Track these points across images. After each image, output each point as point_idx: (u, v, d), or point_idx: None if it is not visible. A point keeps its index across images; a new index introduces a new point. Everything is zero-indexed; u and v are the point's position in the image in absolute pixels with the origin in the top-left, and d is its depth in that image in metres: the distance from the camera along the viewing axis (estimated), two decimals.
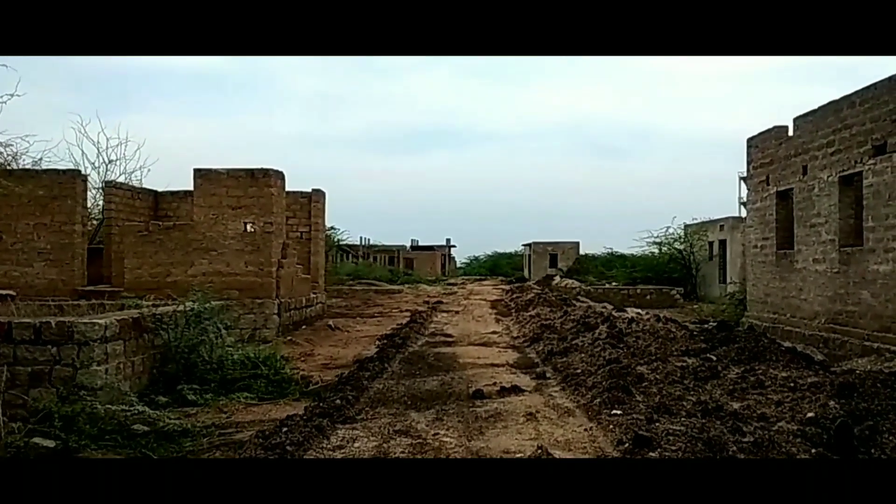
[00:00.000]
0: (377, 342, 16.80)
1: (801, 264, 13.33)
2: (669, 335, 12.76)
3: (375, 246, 72.17)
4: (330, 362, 14.19)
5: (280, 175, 16.22)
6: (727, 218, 38.36)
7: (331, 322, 18.27)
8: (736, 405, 8.50)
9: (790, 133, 13.91)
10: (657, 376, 9.78)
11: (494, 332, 19.04)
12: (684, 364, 10.45)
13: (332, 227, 57.74)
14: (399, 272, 56.68)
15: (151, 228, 15.99)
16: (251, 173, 15.71)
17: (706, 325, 15.18)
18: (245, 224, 15.78)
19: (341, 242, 62.13)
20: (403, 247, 78.80)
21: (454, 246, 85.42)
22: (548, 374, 11.76)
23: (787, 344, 11.88)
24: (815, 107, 12.89)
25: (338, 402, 9.38)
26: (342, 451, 7.28)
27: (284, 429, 7.66)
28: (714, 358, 10.88)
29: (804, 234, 13.15)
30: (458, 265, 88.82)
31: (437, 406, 9.60)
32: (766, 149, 14.79)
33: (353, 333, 18.43)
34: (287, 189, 20.71)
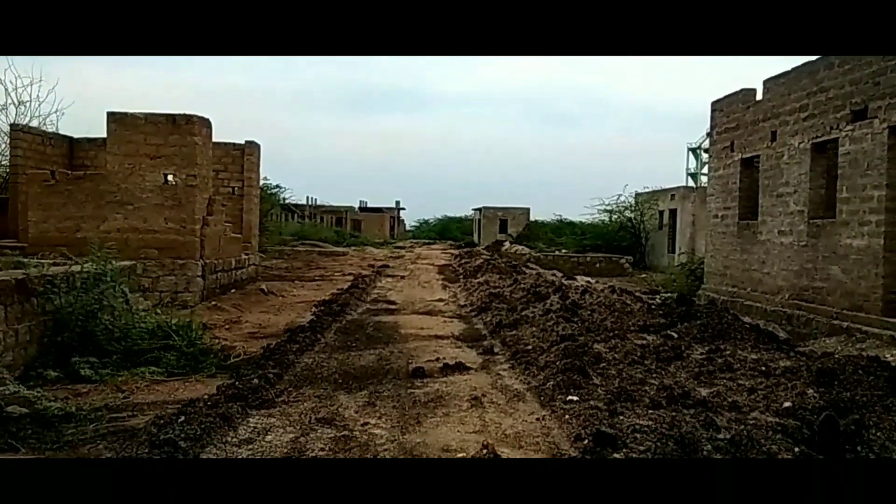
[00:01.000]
0: (313, 309, 15.52)
1: (765, 236, 12.52)
2: (626, 308, 11.83)
3: (323, 206, 70.29)
4: (258, 331, 12.88)
5: (206, 122, 14.60)
6: (678, 187, 37.91)
7: (264, 286, 16.88)
8: (704, 391, 7.56)
9: (759, 97, 13.00)
10: (616, 356, 8.80)
11: (440, 300, 17.94)
12: (644, 342, 9.50)
13: (276, 186, 55.64)
14: (346, 234, 55.10)
15: (59, 178, 14.23)
16: (172, 119, 14.06)
17: (664, 299, 14.34)
18: (165, 175, 14.18)
19: (286, 201, 60.22)
20: (352, 208, 77.01)
21: (404, 209, 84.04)
22: (496, 350, 10.71)
23: (748, 320, 11.09)
24: (789, 68, 11.95)
25: (255, 381, 8.14)
26: (249, 446, 6.06)
27: (182, 418, 6.38)
28: (675, 335, 9.97)
29: (770, 204, 12.31)
30: (408, 228, 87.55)
31: (372, 386, 8.46)
32: (731, 113, 13.87)
33: (287, 299, 17.08)
34: (217, 140, 19.07)
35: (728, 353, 8.84)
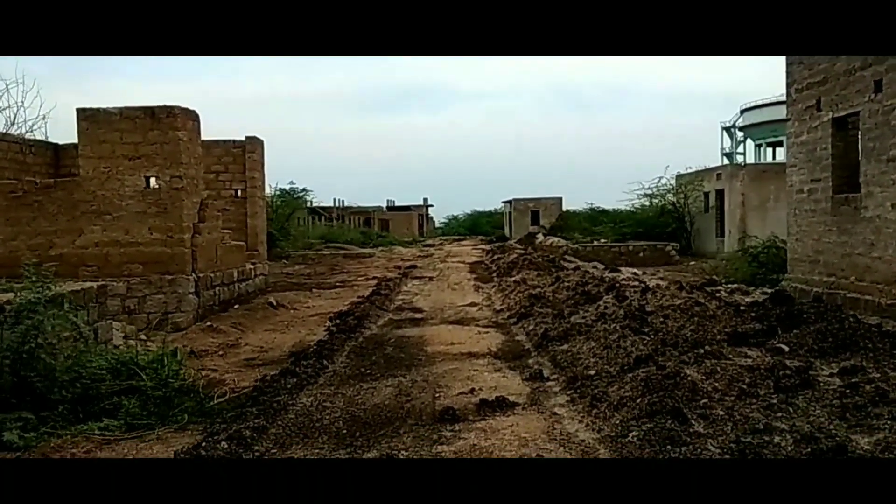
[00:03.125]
0: (327, 323, 13.29)
1: (872, 212, 9.90)
2: (706, 312, 9.30)
3: (350, 207, 68.46)
4: (257, 356, 10.65)
5: (191, 115, 12.37)
6: (724, 166, 35.01)
7: (272, 299, 14.66)
8: (864, 441, 5.09)
9: None
10: (716, 384, 6.33)
11: (473, 305, 15.56)
12: (748, 360, 7.01)
13: (303, 189, 53.82)
14: (373, 234, 52.96)
15: (27, 187, 12.13)
16: (151, 112, 11.87)
17: (755, 297, 11.72)
18: (147, 178, 12.02)
19: (313, 204, 58.38)
20: (380, 208, 75.03)
21: (432, 205, 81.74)
22: (545, 373, 8.30)
23: (873, 321, 8.54)
24: None
25: (224, 444, 5.88)
26: None
27: None
28: (785, 348, 7.45)
29: (878, 171, 9.69)
30: (437, 225, 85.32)
31: (385, 440, 6.16)
32: (815, 64, 11.22)
33: (300, 312, 14.84)
34: (216, 138, 16.93)
35: (872, 373, 6.31)
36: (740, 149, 75.92)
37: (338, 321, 13.29)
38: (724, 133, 78.83)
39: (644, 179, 43.54)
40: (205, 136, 16.75)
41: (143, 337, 11.44)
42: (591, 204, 47.48)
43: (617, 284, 13.18)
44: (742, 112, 73.29)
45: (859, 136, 10.20)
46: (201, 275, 12.46)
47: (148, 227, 12.04)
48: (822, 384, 6.23)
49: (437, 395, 7.69)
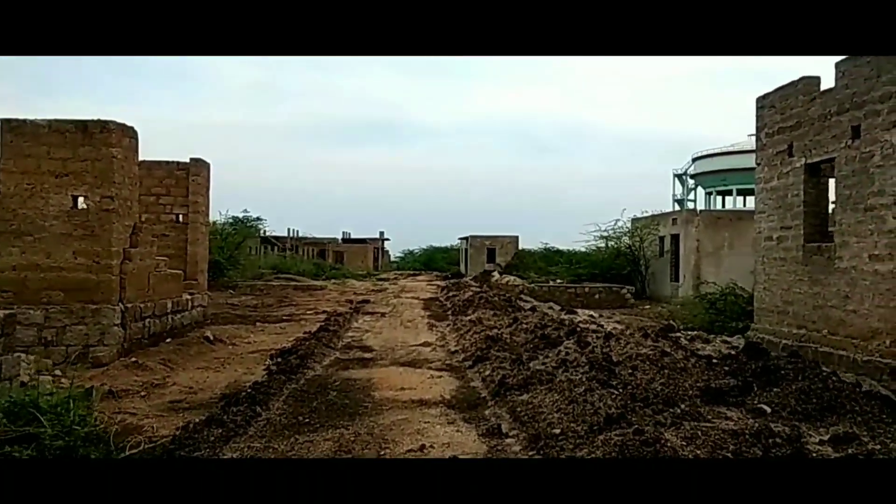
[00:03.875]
0: (267, 362, 12.22)
1: (847, 262, 9.41)
2: (676, 364, 8.60)
3: (305, 238, 67.07)
4: (184, 399, 9.54)
5: (128, 131, 11.32)
6: (680, 211, 35.10)
7: (209, 333, 13.50)
8: None
9: (825, 85, 10.01)
10: (698, 451, 5.56)
11: (427, 344, 14.67)
12: (731, 423, 6.28)
13: (257, 218, 52.41)
14: (326, 266, 51.70)
15: None
16: (83, 127, 10.82)
17: (717, 346, 11.09)
18: (74, 198, 10.91)
19: (266, 233, 56.86)
20: (335, 240, 73.78)
21: (388, 239, 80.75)
22: (504, 427, 7.46)
23: (849, 378, 7.95)
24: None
25: None
26: None
27: None
28: (767, 409, 6.76)
29: (854, 220, 9.22)
30: (392, 259, 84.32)
31: None
32: (788, 108, 10.83)
33: (239, 348, 13.72)
34: (159, 159, 15.85)
35: (869, 443, 5.63)
36: (691, 195, 77.23)
37: (279, 360, 12.24)
38: (676, 180, 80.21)
39: (600, 221, 43.42)
40: (156, 157, 15.73)
41: (57, 372, 10.23)
42: (547, 244, 47.28)
43: (577, 329, 12.46)
44: (693, 160, 74.74)
45: (834, 184, 9.77)
46: (129, 305, 11.30)
47: (73, 251, 10.89)
48: (813, 455, 5.51)
49: (381, 452, 6.78)
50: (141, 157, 12.15)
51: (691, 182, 77.22)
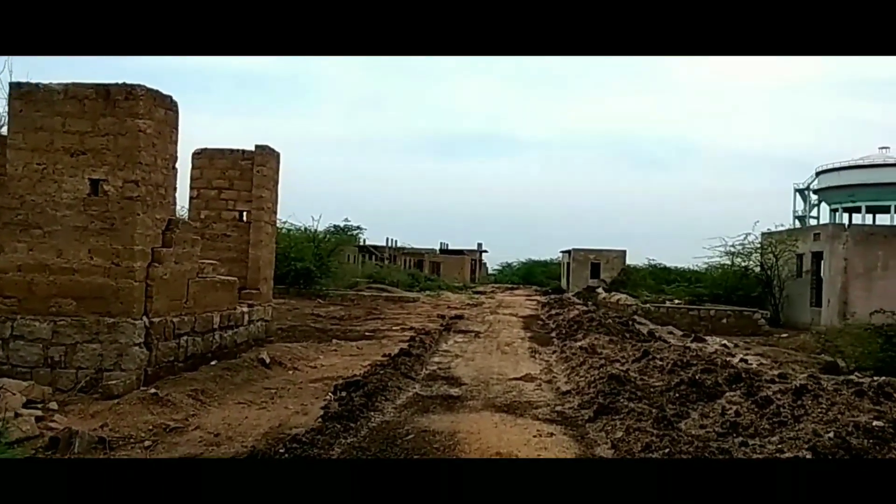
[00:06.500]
0: (329, 396, 9.44)
1: None
2: None
3: (403, 248, 65.27)
4: (202, 451, 6.83)
5: (163, 100, 8.77)
6: (825, 225, 30.25)
7: (265, 355, 10.87)
8: None
9: None
10: None
11: (529, 378, 11.50)
12: None
13: (357, 227, 50.66)
14: (421, 277, 49.27)
15: None
16: (105, 92, 8.36)
17: None
18: (94, 182, 8.51)
19: (365, 242, 55.26)
20: (433, 250, 71.64)
21: (486, 251, 77.84)
22: None
23: None
24: None
25: None
26: None
27: None
28: None
29: None
30: (490, 272, 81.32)
31: None
32: None
33: (300, 374, 11.01)
34: (222, 147, 13.49)
35: None
36: (814, 212, 70.47)
37: (343, 394, 9.45)
38: (798, 195, 73.43)
39: (705, 239, 38.81)
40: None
41: (53, 406, 7.78)
42: (653, 260, 42.93)
43: (742, 373, 8.93)
44: (817, 174, 68.28)
45: None
46: (158, 319, 8.76)
47: (88, 249, 8.48)
48: None
49: None
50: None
51: (814, 198, 70.34)
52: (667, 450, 6.50)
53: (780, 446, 6.68)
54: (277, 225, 31.89)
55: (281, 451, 6.50)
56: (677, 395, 8.57)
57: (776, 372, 10.92)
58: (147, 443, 6.94)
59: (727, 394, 8.19)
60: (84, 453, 6.41)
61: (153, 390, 8.13)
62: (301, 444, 6.68)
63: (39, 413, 7.42)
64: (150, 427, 7.35)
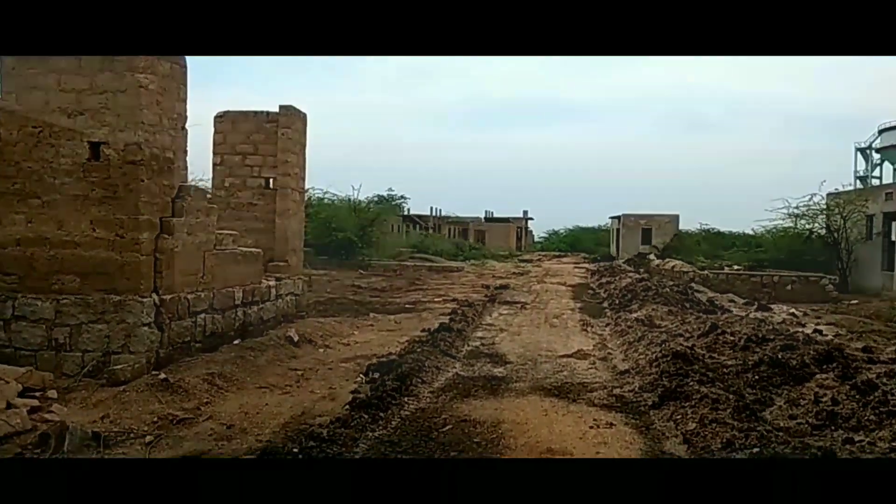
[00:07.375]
0: (360, 378, 8.50)
1: None
2: None
3: (447, 217, 64.24)
4: (211, 448, 5.95)
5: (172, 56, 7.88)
6: None
7: (293, 332, 9.98)
8: None
9: None
10: None
11: (582, 355, 10.38)
12: None
13: (401, 196, 49.74)
14: (466, 246, 48.18)
15: None
16: None
17: None
18: (94, 146, 7.63)
19: (409, 212, 54.37)
20: (478, 219, 70.40)
21: (531, 219, 76.21)
22: None
23: None
24: None
25: None
26: None
27: None
28: None
29: None
30: (536, 239, 79.66)
31: None
32: None
33: (332, 352, 10.11)
34: (246, 109, 12.51)
35: None
36: (876, 172, 66.71)
37: (376, 373, 8.50)
38: (859, 154, 69.57)
39: (758, 203, 36.61)
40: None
41: (53, 394, 7.00)
42: (706, 224, 40.86)
43: (833, 351, 7.63)
44: (880, 132, 64.43)
45: None
46: (169, 296, 7.91)
47: (90, 220, 7.64)
48: None
49: None
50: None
51: (877, 157, 66.50)
52: (755, 448, 5.35)
53: (893, 443, 5.47)
54: (318, 195, 31.25)
55: (294, 450, 5.57)
56: (756, 376, 7.34)
57: (860, 345, 9.54)
58: (148, 438, 6.10)
59: (817, 376, 6.94)
60: (75, 452, 5.60)
61: (164, 375, 7.28)
62: (320, 442, 5.74)
63: (36, 403, 6.65)
64: (156, 418, 6.52)
